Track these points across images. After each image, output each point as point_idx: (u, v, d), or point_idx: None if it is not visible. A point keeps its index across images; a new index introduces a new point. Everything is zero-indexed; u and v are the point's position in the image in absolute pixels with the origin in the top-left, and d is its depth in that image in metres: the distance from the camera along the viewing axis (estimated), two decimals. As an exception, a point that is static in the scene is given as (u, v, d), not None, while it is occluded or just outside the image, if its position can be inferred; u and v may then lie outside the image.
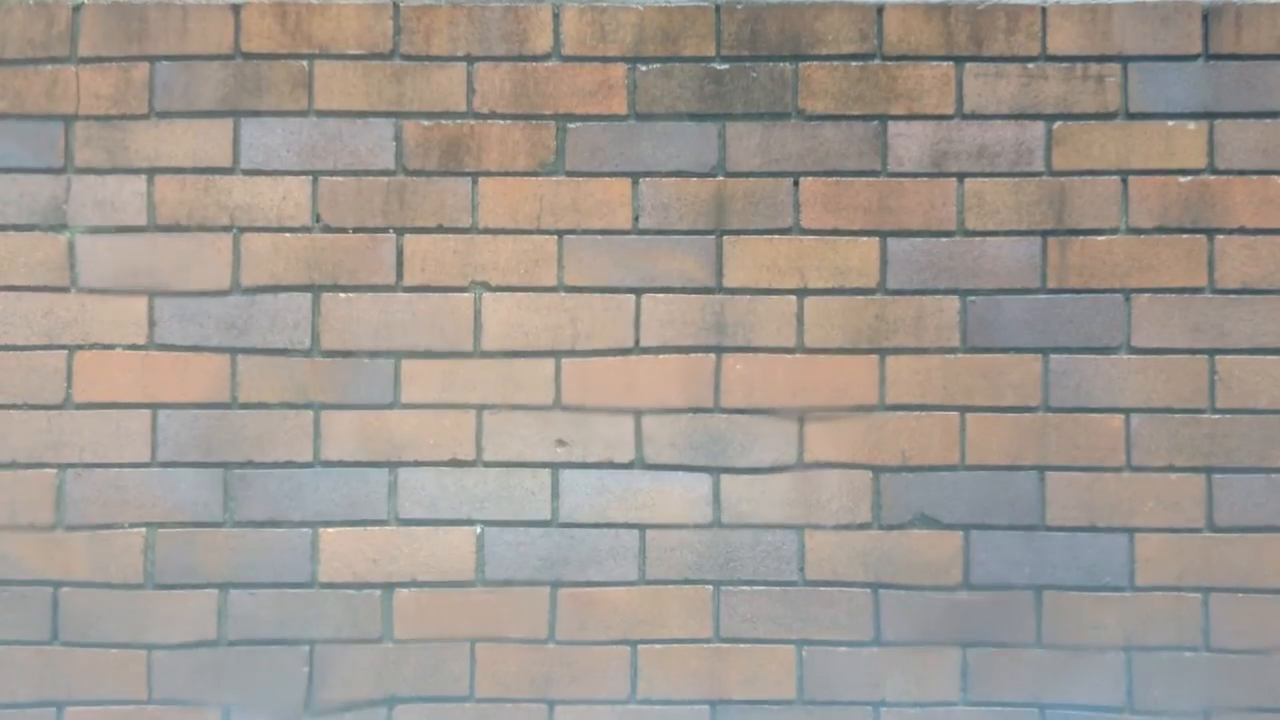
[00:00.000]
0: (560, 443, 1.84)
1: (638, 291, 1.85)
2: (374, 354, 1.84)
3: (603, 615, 1.83)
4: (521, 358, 1.84)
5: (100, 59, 1.85)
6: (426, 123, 1.86)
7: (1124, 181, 1.83)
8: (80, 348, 1.83)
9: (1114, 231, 1.83)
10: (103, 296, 1.83)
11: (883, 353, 1.83)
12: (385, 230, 1.85)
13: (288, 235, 1.85)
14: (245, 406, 1.83)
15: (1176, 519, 1.81)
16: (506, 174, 1.85)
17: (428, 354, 1.84)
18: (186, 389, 1.82)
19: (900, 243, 1.84)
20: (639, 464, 1.84)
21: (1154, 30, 1.84)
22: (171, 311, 1.83)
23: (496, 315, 1.84)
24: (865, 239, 1.84)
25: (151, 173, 1.84)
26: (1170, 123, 1.83)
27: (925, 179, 1.84)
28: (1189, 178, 1.83)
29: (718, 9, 1.86)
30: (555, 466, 1.84)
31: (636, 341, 1.85)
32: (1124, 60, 1.84)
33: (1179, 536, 1.82)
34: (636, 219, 1.85)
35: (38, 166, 1.84)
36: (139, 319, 1.83)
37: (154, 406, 1.83)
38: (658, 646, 1.83)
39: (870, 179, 1.84)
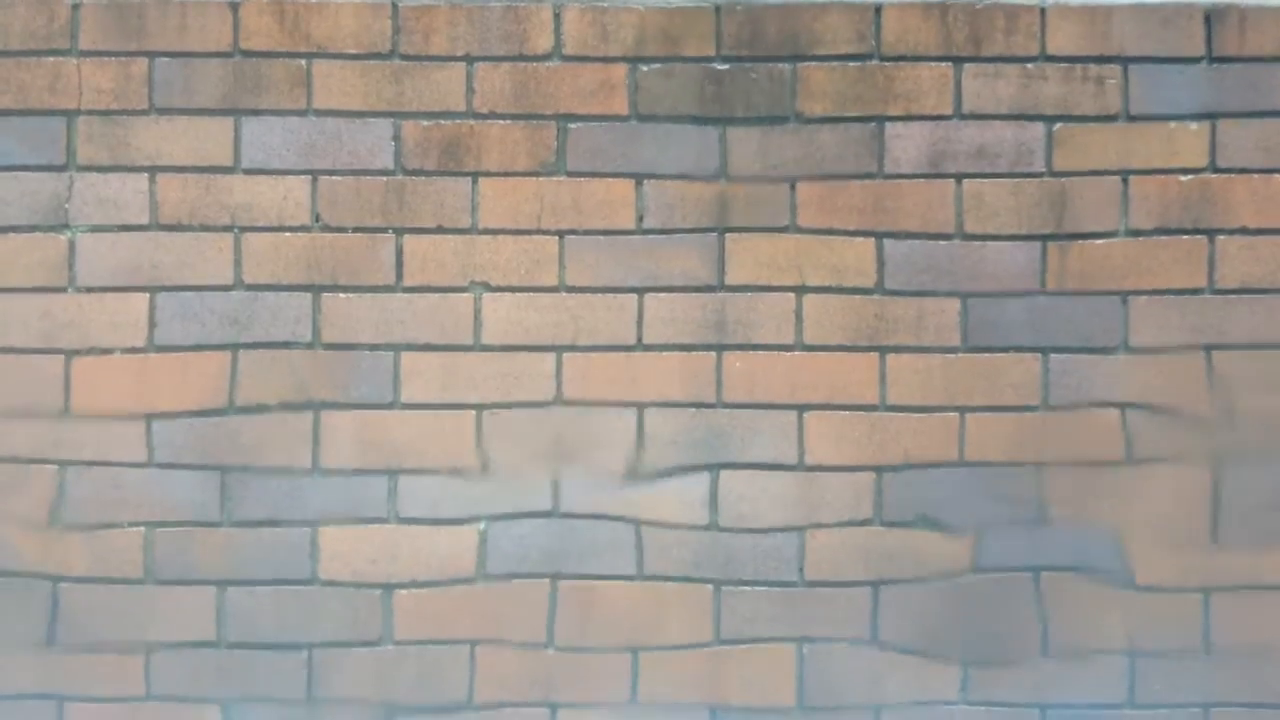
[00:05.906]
0: (559, 442, 1.84)
1: (640, 291, 1.85)
2: (374, 348, 1.84)
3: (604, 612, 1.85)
4: (523, 353, 1.84)
5: (100, 53, 1.84)
6: (426, 122, 1.85)
7: (1124, 181, 1.84)
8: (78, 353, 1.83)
9: (1113, 235, 1.85)
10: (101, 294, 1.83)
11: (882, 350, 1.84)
12: (385, 230, 1.85)
13: (287, 235, 1.85)
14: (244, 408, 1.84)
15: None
16: (507, 174, 1.85)
17: (427, 348, 1.84)
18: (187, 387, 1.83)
19: (898, 243, 1.85)
20: (638, 466, 1.85)
21: (1155, 32, 1.84)
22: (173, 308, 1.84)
23: (497, 315, 1.85)
24: (861, 240, 1.85)
25: (153, 170, 1.84)
26: (1172, 124, 1.84)
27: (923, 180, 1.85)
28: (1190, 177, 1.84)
29: (718, 9, 1.85)
30: (557, 464, 1.85)
31: (639, 340, 1.85)
32: (1125, 61, 1.84)
33: (1177, 536, 1.83)
34: (640, 219, 1.86)
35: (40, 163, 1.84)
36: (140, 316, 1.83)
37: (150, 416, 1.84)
38: (658, 648, 1.84)
39: (866, 182, 1.85)
